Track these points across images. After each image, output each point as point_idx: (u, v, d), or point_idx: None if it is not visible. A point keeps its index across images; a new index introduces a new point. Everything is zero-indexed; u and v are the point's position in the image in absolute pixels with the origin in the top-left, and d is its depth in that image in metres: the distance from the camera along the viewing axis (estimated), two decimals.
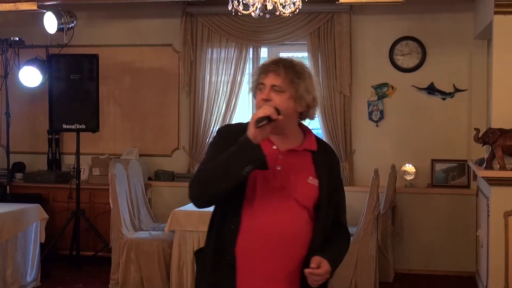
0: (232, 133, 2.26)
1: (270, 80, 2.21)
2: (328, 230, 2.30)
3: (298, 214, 2.24)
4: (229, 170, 2.12)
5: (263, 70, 2.24)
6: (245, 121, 2.29)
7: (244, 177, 2.13)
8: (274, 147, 2.27)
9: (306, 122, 2.40)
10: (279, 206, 2.22)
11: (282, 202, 2.22)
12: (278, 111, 2.16)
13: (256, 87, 2.27)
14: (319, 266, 2.16)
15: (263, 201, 2.22)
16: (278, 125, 2.18)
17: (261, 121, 2.11)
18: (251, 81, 2.33)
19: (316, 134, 2.42)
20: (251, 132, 2.12)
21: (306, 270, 2.15)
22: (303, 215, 2.24)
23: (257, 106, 2.25)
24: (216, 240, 2.26)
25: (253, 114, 2.16)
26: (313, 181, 2.26)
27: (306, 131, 2.36)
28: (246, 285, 2.22)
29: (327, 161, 2.33)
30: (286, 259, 2.22)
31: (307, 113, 2.30)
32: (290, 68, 2.22)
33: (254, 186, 2.22)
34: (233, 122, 6.56)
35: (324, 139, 6.40)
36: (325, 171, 2.29)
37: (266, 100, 2.20)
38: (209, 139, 6.57)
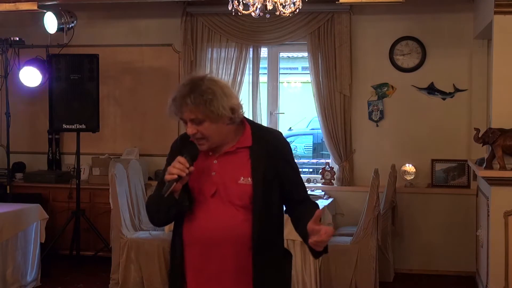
0: (182, 141, 2.45)
1: (186, 115, 2.28)
2: (270, 221, 2.36)
3: (234, 215, 2.31)
4: (159, 207, 2.37)
5: (177, 105, 2.29)
6: None
7: (170, 198, 2.28)
8: (210, 153, 2.36)
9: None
10: (215, 211, 2.31)
11: (218, 206, 2.31)
12: (194, 153, 2.30)
13: (174, 115, 2.35)
14: (317, 230, 2.17)
15: (200, 208, 2.33)
16: (211, 145, 2.32)
17: (168, 188, 2.24)
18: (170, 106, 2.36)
19: (258, 124, 2.48)
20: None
21: (311, 240, 2.18)
22: (239, 215, 2.30)
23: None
24: (171, 254, 2.45)
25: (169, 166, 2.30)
26: (244, 180, 2.31)
27: (244, 126, 2.39)
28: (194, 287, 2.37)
29: (266, 152, 2.35)
30: (229, 259, 2.30)
31: (235, 118, 2.32)
32: (198, 97, 2.24)
33: (193, 195, 2.34)
34: None
35: (324, 139, 6.49)
36: (262, 163, 2.33)
37: (194, 134, 2.30)
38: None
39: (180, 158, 2.27)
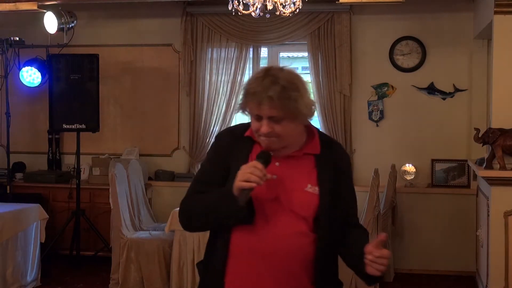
0: (228, 136, 2.18)
1: (266, 112, 2.00)
2: (333, 240, 2.12)
3: (294, 226, 2.05)
4: (214, 217, 2.07)
5: (256, 100, 2.01)
6: (246, 122, 2.18)
7: (233, 208, 2.01)
8: (271, 153, 2.08)
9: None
10: (273, 219, 2.04)
11: (277, 214, 2.05)
12: (268, 158, 2.03)
13: (245, 110, 2.08)
14: (374, 252, 1.98)
15: (256, 214, 2.05)
16: (280, 146, 2.06)
17: (246, 195, 1.97)
18: (240, 100, 2.10)
19: (324, 133, 2.24)
20: (236, 192, 1.98)
21: (370, 258, 1.97)
22: (300, 227, 2.05)
23: (253, 132, 2.09)
24: (207, 256, 2.18)
25: (240, 170, 1.98)
26: (312, 188, 2.07)
27: (310, 131, 2.16)
28: None
29: (334, 163, 2.14)
30: (281, 277, 2.04)
31: (311, 117, 2.13)
32: (283, 92, 1.98)
33: None
34: (233, 122, 6.57)
35: None
36: (329, 176, 2.10)
37: (268, 133, 2.02)
38: (209, 139, 6.57)
39: (257, 164, 1.97)
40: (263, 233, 2.04)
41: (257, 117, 2.04)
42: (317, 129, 2.21)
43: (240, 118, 6.62)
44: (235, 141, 2.12)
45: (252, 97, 2.01)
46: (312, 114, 2.08)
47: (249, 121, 2.13)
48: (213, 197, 2.06)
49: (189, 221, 2.16)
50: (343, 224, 2.15)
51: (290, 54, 7.04)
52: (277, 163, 2.08)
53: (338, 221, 2.12)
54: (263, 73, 2.03)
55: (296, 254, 2.04)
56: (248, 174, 1.95)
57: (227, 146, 2.14)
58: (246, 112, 2.09)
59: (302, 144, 2.13)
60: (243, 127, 2.18)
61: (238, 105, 2.13)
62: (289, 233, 2.04)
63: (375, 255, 1.96)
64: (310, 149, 2.12)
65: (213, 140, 2.22)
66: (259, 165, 1.98)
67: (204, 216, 2.09)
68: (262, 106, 1.99)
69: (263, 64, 6.68)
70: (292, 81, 2.01)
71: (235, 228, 2.06)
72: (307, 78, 6.35)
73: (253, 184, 1.95)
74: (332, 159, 2.14)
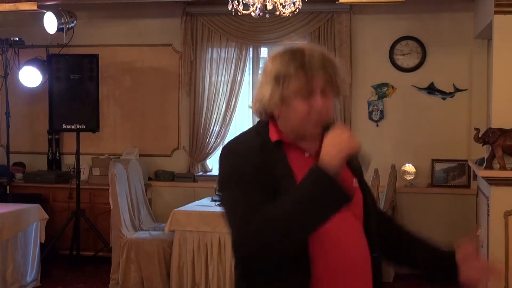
0: (254, 150, 1.77)
1: (319, 83, 1.76)
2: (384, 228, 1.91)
3: (359, 229, 1.81)
4: (310, 217, 1.64)
5: (304, 73, 1.74)
6: (245, 130, 1.91)
7: (326, 222, 1.67)
8: (307, 154, 1.81)
9: None
10: (342, 224, 1.75)
11: (342, 217, 1.72)
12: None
13: (283, 94, 1.76)
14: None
15: (327, 230, 1.71)
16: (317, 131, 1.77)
17: (358, 158, 1.72)
18: (273, 85, 1.77)
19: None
20: (334, 166, 1.64)
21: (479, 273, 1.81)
22: (360, 228, 1.82)
23: (300, 115, 1.76)
24: (278, 281, 1.73)
25: (329, 140, 1.69)
26: (356, 184, 1.83)
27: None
28: None
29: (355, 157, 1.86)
30: (364, 279, 1.81)
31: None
32: (332, 62, 1.79)
33: None
34: (233, 122, 6.56)
35: None
36: (358, 167, 1.82)
37: (323, 111, 1.76)
38: (209, 139, 6.55)
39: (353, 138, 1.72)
40: (341, 241, 1.76)
41: (305, 93, 1.75)
42: None
43: (240, 118, 6.62)
44: (262, 151, 1.76)
45: (301, 68, 1.74)
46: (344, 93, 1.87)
47: (247, 128, 1.91)
48: (303, 190, 1.64)
49: (274, 239, 1.64)
50: (380, 219, 1.93)
51: None
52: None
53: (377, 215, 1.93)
54: (310, 47, 1.80)
55: (365, 255, 1.81)
56: (343, 142, 1.68)
57: (258, 159, 1.74)
58: (278, 103, 1.76)
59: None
60: (255, 135, 1.83)
61: (268, 98, 1.78)
62: (358, 236, 1.81)
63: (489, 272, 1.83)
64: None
65: (226, 158, 1.80)
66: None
67: (296, 220, 1.63)
68: (315, 77, 1.74)
69: (263, 64, 6.66)
70: (329, 53, 1.83)
71: (313, 243, 1.71)
72: None
73: (356, 147, 1.69)
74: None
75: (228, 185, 1.75)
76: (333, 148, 1.66)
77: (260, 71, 2.68)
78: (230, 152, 1.80)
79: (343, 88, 1.83)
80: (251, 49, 6.55)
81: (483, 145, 4.97)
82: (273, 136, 1.80)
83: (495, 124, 4.80)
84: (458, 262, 1.83)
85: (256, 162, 1.73)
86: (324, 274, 1.72)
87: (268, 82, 1.79)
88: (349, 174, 1.80)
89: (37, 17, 6.20)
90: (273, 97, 1.77)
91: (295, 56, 1.76)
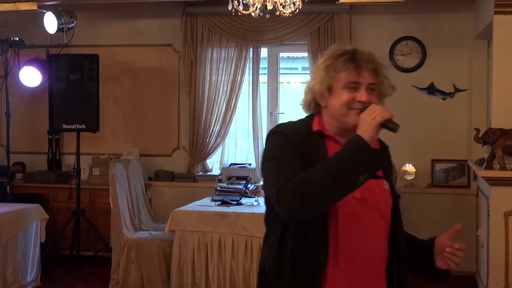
0: (296, 132, 1.93)
1: (367, 78, 1.91)
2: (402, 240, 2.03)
3: (384, 227, 1.94)
4: (344, 178, 1.77)
5: (353, 67, 1.90)
6: (294, 120, 2.03)
7: (357, 188, 1.81)
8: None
9: None
10: (366, 222, 1.89)
11: (368, 216, 1.90)
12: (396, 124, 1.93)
13: (331, 84, 1.92)
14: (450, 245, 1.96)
15: (347, 217, 1.87)
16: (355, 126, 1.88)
17: (388, 123, 1.87)
18: (323, 76, 1.93)
19: None
20: (369, 134, 1.81)
21: (448, 251, 1.98)
22: (386, 228, 1.95)
23: (343, 103, 1.91)
24: (294, 264, 1.86)
25: (366, 112, 1.85)
26: (386, 186, 1.98)
27: None
28: None
29: (386, 160, 2.07)
30: (374, 280, 1.92)
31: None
32: (379, 62, 1.95)
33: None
34: (233, 122, 6.57)
35: None
36: (389, 171, 2.04)
37: (364, 103, 1.89)
38: (209, 139, 6.56)
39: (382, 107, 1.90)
40: (360, 237, 1.88)
41: (352, 86, 1.90)
42: None
43: (240, 118, 6.63)
44: (305, 137, 1.92)
45: (350, 64, 1.90)
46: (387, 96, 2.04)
47: (295, 119, 2.03)
48: (341, 155, 1.79)
49: (313, 197, 1.76)
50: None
51: (290, 54, 7.04)
52: None
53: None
54: (349, 47, 1.97)
55: (385, 257, 1.95)
56: (385, 111, 1.88)
57: (300, 142, 1.90)
58: (320, 94, 1.93)
59: None
60: (302, 123, 1.99)
61: (317, 86, 1.93)
62: (382, 234, 1.94)
63: (455, 247, 1.97)
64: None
65: (272, 137, 1.95)
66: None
67: (332, 183, 1.76)
68: (363, 72, 1.90)
69: (263, 64, 6.67)
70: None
71: (331, 234, 1.85)
72: (307, 78, 6.36)
73: (391, 115, 1.88)
74: (387, 157, 2.11)
75: (272, 157, 1.91)
76: (367, 116, 1.83)
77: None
78: (276, 133, 1.96)
79: (388, 91, 2.00)
80: (251, 49, 6.55)
81: (483, 145, 4.98)
82: (315, 126, 1.97)
83: (495, 124, 4.81)
84: (435, 250, 2.00)
85: (299, 142, 1.89)
86: (337, 257, 1.85)
87: (319, 73, 1.95)
88: (380, 174, 1.96)
89: (37, 17, 6.21)
90: (322, 86, 1.92)
91: (346, 52, 1.93)
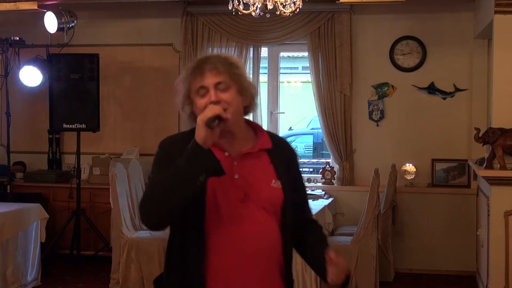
0: (176, 144, 2.03)
1: (211, 79, 1.98)
2: (295, 232, 2.12)
3: (269, 223, 2.03)
4: (180, 182, 1.88)
5: (197, 72, 1.99)
6: (187, 130, 2.11)
7: (198, 189, 1.91)
8: (227, 154, 2.04)
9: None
10: (247, 218, 2.00)
11: (249, 212, 2.01)
12: (217, 117, 1.94)
13: (189, 96, 2.02)
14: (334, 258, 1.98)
15: (227, 215, 1.99)
16: (226, 126, 1.97)
17: (212, 121, 1.89)
18: (178, 94, 2.05)
19: (267, 130, 2.21)
20: (200, 135, 1.89)
21: (331, 274, 1.98)
22: (273, 223, 2.04)
23: (202, 109, 1.99)
24: (181, 268, 2.01)
25: (198, 117, 1.94)
26: (276, 183, 2.06)
27: (255, 128, 2.16)
28: None
29: (285, 158, 2.14)
30: (262, 274, 2.02)
31: (250, 106, 2.11)
32: (225, 60, 2.02)
33: (214, 200, 1.99)
34: None
35: (324, 139, 6.49)
36: (284, 170, 2.10)
37: (216, 103, 1.96)
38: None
39: (213, 105, 1.96)
40: (239, 233, 1.99)
41: (203, 91, 1.99)
42: (260, 126, 2.21)
43: None
44: (177, 148, 1.98)
45: (194, 71, 2.00)
46: (254, 96, 2.11)
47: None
48: (179, 160, 1.91)
49: (154, 204, 1.92)
50: (299, 219, 2.16)
51: (290, 54, 7.06)
52: (235, 163, 2.04)
53: (297, 215, 2.14)
54: (204, 55, 2.09)
55: (272, 251, 2.04)
56: (207, 110, 1.93)
57: (172, 153, 1.99)
58: (187, 107, 2.04)
59: (253, 140, 2.11)
60: (187, 132, 2.07)
61: (180, 102, 2.06)
62: (266, 230, 2.03)
63: (330, 258, 1.98)
64: (263, 145, 2.10)
65: (157, 149, 2.09)
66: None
67: (172, 188, 1.89)
68: (206, 74, 1.98)
69: (264, 63, 6.68)
70: (230, 55, 2.08)
71: (208, 232, 1.98)
72: (307, 77, 6.36)
73: (217, 111, 1.91)
74: (283, 155, 2.14)
75: (151, 172, 2.06)
76: (199, 118, 1.92)
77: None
78: (159, 146, 2.09)
79: (246, 85, 2.04)
80: (251, 49, 6.55)
81: (483, 145, 4.98)
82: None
83: (495, 124, 4.81)
84: (327, 264, 2.01)
85: (173, 155, 1.96)
86: (219, 259, 1.98)
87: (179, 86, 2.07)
88: (269, 173, 2.06)
89: (38, 17, 6.21)
90: (183, 97, 2.04)
91: (190, 63, 2.09)
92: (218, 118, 1.91)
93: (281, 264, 2.07)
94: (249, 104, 2.10)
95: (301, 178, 2.23)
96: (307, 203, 2.25)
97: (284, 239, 2.06)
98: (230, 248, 1.99)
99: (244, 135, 2.09)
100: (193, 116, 2.04)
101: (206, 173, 1.90)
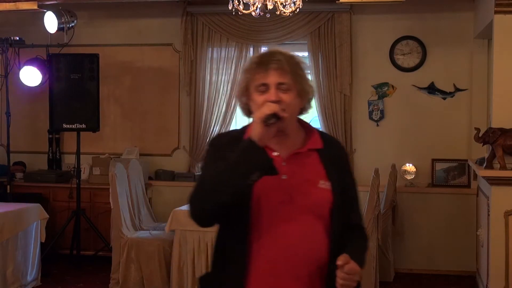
0: (226, 142, 2.02)
1: (274, 78, 1.93)
2: (342, 235, 2.02)
3: (316, 227, 1.95)
4: (232, 179, 1.86)
5: (261, 68, 1.95)
6: (238, 128, 2.12)
7: (249, 187, 1.87)
8: (275, 154, 1.98)
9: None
10: (291, 221, 1.93)
11: (295, 216, 1.93)
12: (276, 115, 1.92)
13: (248, 89, 1.99)
14: (346, 263, 1.88)
15: (271, 220, 1.93)
16: (282, 125, 1.93)
17: (269, 119, 1.88)
18: (239, 83, 2.04)
19: (319, 129, 2.14)
20: (257, 132, 1.87)
21: (341, 278, 1.87)
22: (320, 227, 1.96)
23: (260, 105, 1.97)
24: (225, 267, 1.98)
25: (255, 114, 1.93)
26: (324, 184, 1.98)
27: (306, 127, 2.09)
28: None
29: (336, 158, 2.06)
30: (307, 280, 1.94)
31: (305, 108, 2.06)
32: (291, 59, 1.97)
33: (258, 203, 1.93)
34: (233, 122, 6.57)
35: None
36: (335, 170, 2.02)
37: (278, 102, 1.92)
38: (210, 139, 6.55)
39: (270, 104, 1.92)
40: (284, 239, 1.92)
41: (263, 88, 1.95)
42: (312, 125, 2.15)
43: (240, 118, 6.62)
44: (235, 143, 1.95)
45: (258, 66, 1.96)
46: (311, 98, 2.06)
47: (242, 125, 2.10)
48: (232, 156, 1.87)
49: (204, 200, 1.90)
50: (345, 222, 2.04)
51: None
52: (284, 163, 1.98)
53: (343, 218, 2.03)
54: (272, 50, 2.02)
55: (317, 256, 1.95)
56: (265, 107, 1.90)
57: (223, 150, 1.96)
58: (243, 98, 2.01)
59: (303, 140, 2.05)
60: (239, 131, 2.08)
61: (237, 92, 2.05)
62: (310, 234, 1.95)
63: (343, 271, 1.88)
64: (313, 145, 2.03)
65: (206, 147, 2.12)
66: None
67: (223, 184, 1.86)
68: (270, 72, 1.94)
69: None
70: (296, 55, 2.02)
71: (254, 237, 1.93)
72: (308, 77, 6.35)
73: (274, 109, 1.88)
74: (334, 155, 2.07)
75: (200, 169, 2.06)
76: (255, 115, 1.91)
77: None
78: (210, 143, 2.08)
79: (306, 88, 1.99)
80: (251, 49, 6.55)
81: (483, 145, 4.98)
82: (247, 134, 1.97)
83: (495, 124, 4.81)
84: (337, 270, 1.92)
85: (223, 149, 1.95)
86: (261, 265, 1.92)
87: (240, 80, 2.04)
88: (318, 173, 1.99)
89: (38, 17, 6.21)
90: (241, 90, 2.02)
91: (258, 57, 2.01)
92: (275, 116, 1.89)
93: (324, 270, 1.96)
94: (305, 106, 2.05)
95: (352, 180, 2.11)
96: (356, 207, 2.12)
97: (331, 244, 1.96)
98: (272, 256, 1.93)
99: (294, 135, 2.04)
100: (247, 108, 2.04)
101: (259, 172, 1.86)
